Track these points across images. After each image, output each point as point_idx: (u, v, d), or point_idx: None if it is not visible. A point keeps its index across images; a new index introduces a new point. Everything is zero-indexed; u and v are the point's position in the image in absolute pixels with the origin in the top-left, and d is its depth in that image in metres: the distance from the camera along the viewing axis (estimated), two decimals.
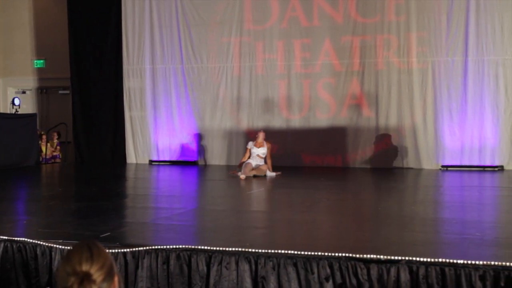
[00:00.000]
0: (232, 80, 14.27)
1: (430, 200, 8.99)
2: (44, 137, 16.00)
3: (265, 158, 11.83)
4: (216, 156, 14.40)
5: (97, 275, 2.51)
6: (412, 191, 10.48)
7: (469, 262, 4.54)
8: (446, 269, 4.55)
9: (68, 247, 5.45)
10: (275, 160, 13.82)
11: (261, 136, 11.85)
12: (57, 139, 16.31)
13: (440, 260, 4.61)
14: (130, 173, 13.61)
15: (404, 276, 4.62)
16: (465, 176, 11.84)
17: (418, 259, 4.65)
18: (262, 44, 14.06)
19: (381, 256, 4.72)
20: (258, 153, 11.66)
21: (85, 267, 2.50)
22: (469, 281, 4.49)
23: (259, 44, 14.08)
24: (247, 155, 11.73)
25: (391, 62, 13.23)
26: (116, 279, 2.58)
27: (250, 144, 11.86)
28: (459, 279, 4.51)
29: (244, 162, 11.60)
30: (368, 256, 4.74)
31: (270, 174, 11.69)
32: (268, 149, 11.77)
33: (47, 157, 15.90)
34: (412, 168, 12.97)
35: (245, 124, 14.18)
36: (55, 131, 16.24)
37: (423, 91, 13.03)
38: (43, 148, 15.94)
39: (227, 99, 14.29)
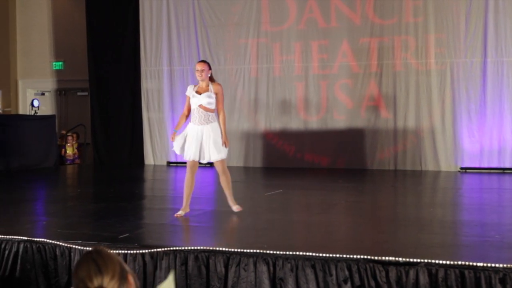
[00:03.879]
0: (249, 82, 14.26)
1: (448, 202, 8.94)
2: (68, 138, 16.10)
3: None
4: (234, 158, 14.37)
5: (111, 285, 2.48)
6: (430, 193, 10.43)
7: (489, 265, 4.52)
8: (466, 272, 4.53)
9: (87, 248, 5.49)
10: (292, 162, 13.83)
11: (199, 67, 7.30)
12: (77, 140, 16.43)
13: (459, 262, 4.59)
14: (148, 175, 13.65)
15: (423, 279, 4.60)
16: (484, 178, 11.75)
17: (437, 261, 4.63)
18: (279, 45, 14.04)
19: (400, 259, 4.70)
20: (201, 102, 7.21)
21: (96, 282, 2.46)
22: (489, 284, 4.46)
23: (277, 46, 14.06)
24: (186, 107, 7.38)
25: (409, 64, 13.16)
26: (129, 278, 2.55)
27: (190, 89, 7.36)
28: (479, 282, 4.49)
29: (180, 122, 7.50)
30: (387, 258, 4.73)
31: (217, 155, 7.21)
32: (217, 94, 7.30)
33: (69, 158, 16.01)
34: (430, 170, 12.89)
35: (262, 125, 14.17)
36: (74, 132, 16.37)
37: (442, 92, 12.95)
38: (68, 149, 16.05)
39: (244, 100, 14.29)
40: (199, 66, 7.30)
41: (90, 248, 2.64)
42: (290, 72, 13.97)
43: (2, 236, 5.90)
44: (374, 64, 13.35)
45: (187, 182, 7.34)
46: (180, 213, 7.22)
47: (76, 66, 16.86)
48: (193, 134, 7.21)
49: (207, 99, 7.20)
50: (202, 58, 14.34)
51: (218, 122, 7.35)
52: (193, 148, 7.19)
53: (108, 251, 2.58)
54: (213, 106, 7.25)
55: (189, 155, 7.25)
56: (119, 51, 15.51)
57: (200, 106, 7.19)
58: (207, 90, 7.26)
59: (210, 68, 7.38)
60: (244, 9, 14.25)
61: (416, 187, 10.89)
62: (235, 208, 7.41)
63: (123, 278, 2.51)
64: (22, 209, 8.28)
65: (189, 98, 7.30)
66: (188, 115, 7.42)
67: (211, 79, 7.41)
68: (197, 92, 7.26)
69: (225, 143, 7.23)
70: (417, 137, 13.11)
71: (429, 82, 13.00)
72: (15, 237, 5.86)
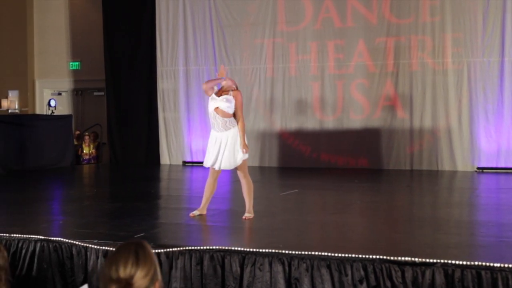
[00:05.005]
0: (265, 82, 14.26)
1: (465, 203, 8.89)
2: (86, 138, 16.20)
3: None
4: (249, 157, 14.25)
5: (140, 282, 2.46)
6: (447, 193, 10.37)
7: (506, 265, 4.49)
8: (482, 273, 4.50)
9: (104, 247, 5.50)
10: (308, 161, 13.81)
11: (222, 71, 7.24)
12: (96, 140, 16.56)
13: (476, 263, 4.56)
14: (164, 174, 13.68)
15: (439, 279, 4.58)
16: (502, 178, 11.67)
17: (453, 262, 4.60)
18: (295, 45, 14.02)
19: (416, 259, 4.68)
20: (218, 105, 6.94)
21: (129, 271, 2.46)
22: (506, 285, 4.43)
23: (292, 46, 14.05)
24: None
25: (426, 63, 13.09)
26: (157, 284, 2.55)
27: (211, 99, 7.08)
28: (496, 283, 4.46)
29: None
30: (403, 258, 4.71)
31: (239, 158, 7.05)
32: (235, 99, 7.00)
33: (86, 158, 16.10)
34: (447, 170, 12.82)
35: (278, 125, 14.16)
36: (92, 132, 16.51)
37: (458, 92, 12.88)
38: (85, 149, 16.14)
39: (260, 100, 14.29)
40: (224, 70, 7.25)
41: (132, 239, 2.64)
42: (306, 72, 13.95)
43: (19, 235, 5.94)
44: (391, 64, 13.31)
45: (207, 186, 7.33)
46: (195, 212, 7.24)
47: (92, 66, 16.93)
48: (212, 141, 7.05)
49: (226, 103, 6.91)
50: (218, 59, 14.45)
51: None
52: (212, 155, 7.05)
53: (151, 250, 2.58)
54: (231, 111, 6.95)
55: (207, 162, 7.17)
56: (136, 51, 15.57)
57: (217, 109, 6.91)
58: (227, 92, 6.99)
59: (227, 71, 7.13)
60: (260, 9, 14.25)
61: (433, 187, 10.84)
62: (245, 215, 7.08)
63: (152, 281, 2.50)
64: (39, 208, 8.33)
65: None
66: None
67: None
68: (217, 94, 7.00)
69: (244, 149, 7.00)
70: (433, 137, 13.05)
71: (446, 82, 12.93)
72: (32, 236, 5.89)
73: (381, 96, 13.40)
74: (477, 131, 12.75)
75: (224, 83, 7.11)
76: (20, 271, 5.73)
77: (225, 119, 6.95)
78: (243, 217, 7.06)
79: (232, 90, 7.06)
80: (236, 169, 7.19)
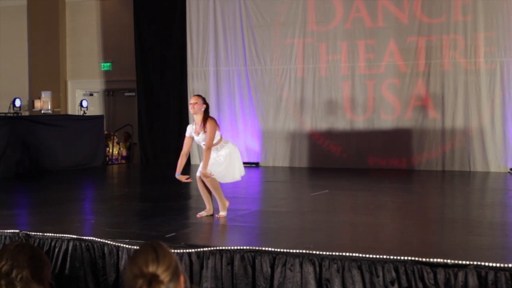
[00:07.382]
0: (295, 82, 14.24)
1: (498, 204, 8.78)
2: (114, 138, 16.33)
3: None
4: (279, 158, 14.38)
5: (164, 275, 2.56)
6: (479, 194, 10.26)
7: None
8: None
9: (135, 247, 5.54)
10: (338, 162, 13.74)
11: (192, 101, 7.16)
12: (129, 140, 16.70)
13: (510, 265, 4.50)
14: (194, 174, 13.68)
15: (473, 281, 4.52)
16: None
17: (487, 264, 4.54)
18: (325, 45, 13.98)
19: (448, 260, 4.63)
20: (202, 144, 7.23)
21: (151, 269, 2.55)
22: None
23: (323, 46, 14.01)
24: (187, 146, 7.38)
25: (458, 63, 12.97)
26: (181, 278, 2.62)
27: (189, 129, 7.32)
28: None
29: (181, 162, 7.44)
30: (435, 260, 4.66)
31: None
32: (209, 129, 7.09)
33: (114, 158, 16.22)
34: (479, 171, 12.68)
35: (308, 125, 14.13)
36: (124, 132, 16.65)
37: (491, 92, 12.73)
38: (114, 149, 16.27)
39: (290, 100, 14.27)
40: (192, 100, 7.15)
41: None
42: (336, 72, 13.89)
43: (52, 235, 6.01)
44: (422, 64, 13.20)
45: (200, 190, 7.46)
46: (202, 213, 7.29)
47: (123, 67, 17.08)
48: (217, 160, 7.22)
49: (204, 136, 7.11)
50: (248, 59, 14.44)
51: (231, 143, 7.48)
52: (224, 170, 7.28)
53: (168, 248, 2.68)
54: (216, 140, 7.16)
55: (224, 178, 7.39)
56: (166, 52, 15.66)
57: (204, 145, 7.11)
58: (202, 129, 7.09)
59: (204, 102, 7.11)
60: (290, 9, 14.23)
61: (465, 188, 10.73)
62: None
63: (176, 275, 2.59)
64: (71, 208, 8.42)
65: (187, 138, 7.27)
66: (187, 154, 7.43)
67: (207, 115, 7.13)
68: (195, 132, 7.17)
69: (204, 174, 7.12)
70: (465, 137, 12.91)
71: (478, 82, 12.79)
72: (64, 235, 5.95)
73: (412, 96, 13.30)
74: (510, 131, 12.59)
75: (196, 119, 7.18)
76: (53, 270, 5.80)
77: (216, 146, 7.19)
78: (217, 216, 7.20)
79: (206, 120, 7.09)
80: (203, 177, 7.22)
